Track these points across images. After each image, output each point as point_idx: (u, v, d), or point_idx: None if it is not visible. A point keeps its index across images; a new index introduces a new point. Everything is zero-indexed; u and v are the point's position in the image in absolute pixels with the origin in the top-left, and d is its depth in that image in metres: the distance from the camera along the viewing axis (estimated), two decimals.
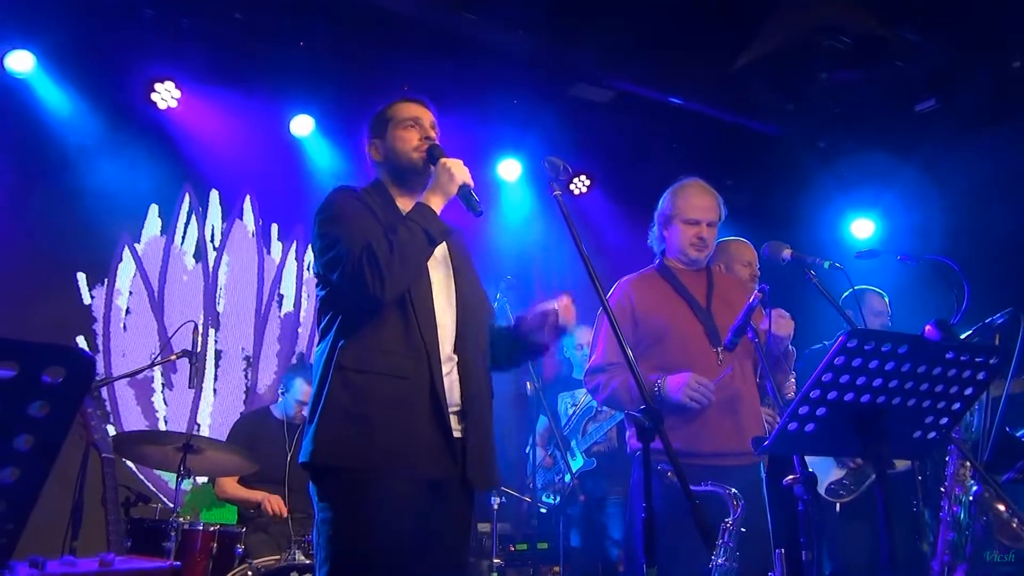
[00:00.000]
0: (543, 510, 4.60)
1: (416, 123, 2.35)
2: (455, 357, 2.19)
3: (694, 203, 3.03)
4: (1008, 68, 4.56)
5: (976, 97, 4.80)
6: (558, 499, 4.54)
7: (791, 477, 2.23)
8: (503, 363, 2.39)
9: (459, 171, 2.21)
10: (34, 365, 1.08)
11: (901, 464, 3.45)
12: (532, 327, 2.26)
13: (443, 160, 2.23)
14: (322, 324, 2.22)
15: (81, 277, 4.90)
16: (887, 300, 4.17)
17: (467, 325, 2.24)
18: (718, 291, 3.06)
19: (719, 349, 2.89)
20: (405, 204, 2.29)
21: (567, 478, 4.41)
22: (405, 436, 2.06)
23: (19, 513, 1.19)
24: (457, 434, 2.14)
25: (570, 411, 4.63)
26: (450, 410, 2.13)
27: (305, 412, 4.26)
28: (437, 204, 2.19)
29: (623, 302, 2.98)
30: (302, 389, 4.32)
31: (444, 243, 2.25)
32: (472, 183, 2.23)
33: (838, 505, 3.74)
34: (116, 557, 1.87)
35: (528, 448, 4.72)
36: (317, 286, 2.29)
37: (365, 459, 2.04)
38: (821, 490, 3.71)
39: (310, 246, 2.28)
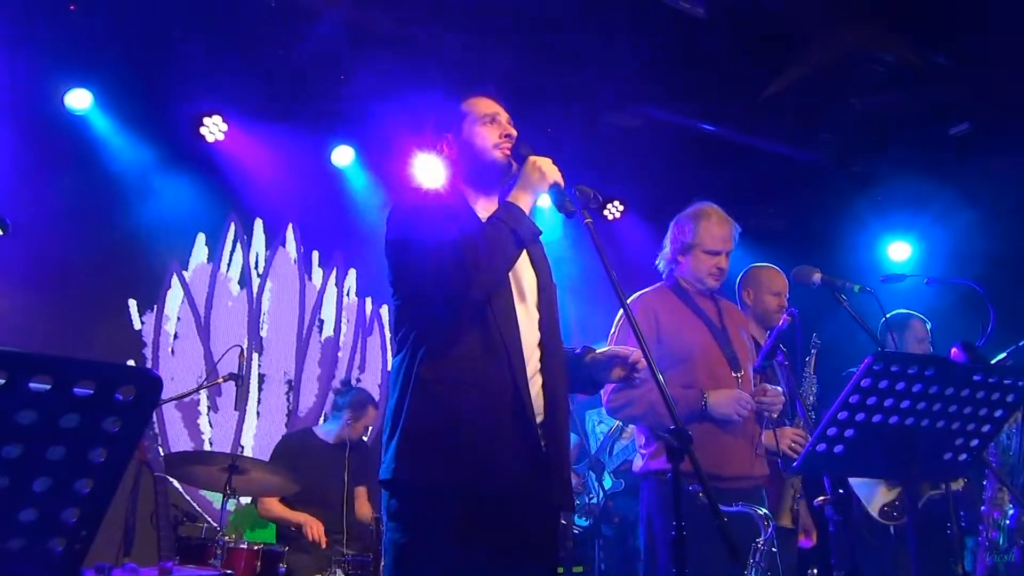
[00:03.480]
0: (575, 531, 4.61)
1: (495, 120, 2.19)
2: (540, 365, 2.06)
3: (716, 233, 3.03)
4: None
5: (1010, 120, 4.79)
6: (590, 521, 4.54)
7: (822, 498, 2.26)
8: None
9: (550, 169, 2.06)
10: (109, 384, 1.19)
11: (956, 485, 3.38)
12: (597, 364, 2.14)
13: (533, 158, 2.09)
14: (399, 336, 2.07)
15: (132, 304, 5.10)
16: (928, 326, 4.01)
17: (551, 334, 2.11)
18: (726, 317, 3.08)
19: (738, 375, 2.93)
20: (481, 207, 2.16)
21: (598, 498, 4.41)
22: (489, 452, 1.93)
23: (91, 522, 1.29)
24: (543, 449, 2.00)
25: (598, 429, 4.64)
26: (536, 421, 2.00)
27: (359, 427, 4.40)
28: (526, 204, 2.04)
29: (649, 317, 2.96)
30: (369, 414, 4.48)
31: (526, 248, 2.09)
32: (563, 182, 2.08)
33: (892, 528, 3.66)
34: (175, 566, 1.97)
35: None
36: (393, 296, 2.14)
37: (448, 476, 1.91)
38: (874, 512, 3.64)
39: (385, 252, 2.13)
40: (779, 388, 2.77)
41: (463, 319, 1.98)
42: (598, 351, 2.16)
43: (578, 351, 2.21)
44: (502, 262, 1.99)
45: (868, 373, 1.91)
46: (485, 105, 2.22)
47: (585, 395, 2.26)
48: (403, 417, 1.96)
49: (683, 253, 3.08)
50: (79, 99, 4.75)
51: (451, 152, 2.21)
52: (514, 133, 2.18)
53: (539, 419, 2.01)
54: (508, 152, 2.15)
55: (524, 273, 2.13)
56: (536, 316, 2.10)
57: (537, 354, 2.06)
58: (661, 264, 3.16)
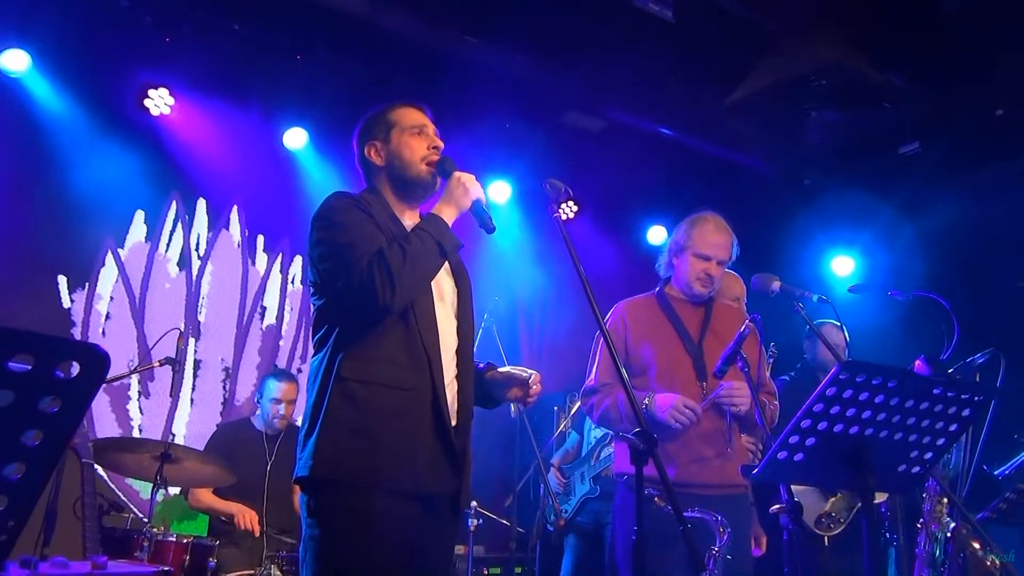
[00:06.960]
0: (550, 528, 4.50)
1: (422, 131, 2.27)
2: (456, 372, 2.15)
3: (709, 239, 3.02)
4: (991, 116, 4.69)
5: (959, 142, 4.94)
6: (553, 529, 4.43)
7: (777, 507, 2.25)
8: None
9: (473, 186, 2.15)
10: (49, 359, 1.08)
11: (880, 496, 3.48)
12: (495, 382, 2.25)
13: (457, 173, 2.18)
14: (318, 335, 2.13)
15: (62, 280, 4.84)
16: (846, 335, 4.10)
17: (466, 340, 2.21)
18: (713, 325, 3.05)
19: (703, 384, 2.91)
20: (405, 215, 2.24)
21: (567, 507, 4.35)
22: (408, 450, 2.00)
23: (21, 511, 1.17)
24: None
25: (593, 434, 4.54)
26: (452, 424, 2.10)
27: (280, 410, 4.25)
28: (449, 217, 2.13)
29: (617, 326, 3.02)
30: (277, 387, 4.30)
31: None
32: (485, 199, 2.18)
33: (826, 539, 3.73)
34: (108, 560, 1.84)
35: (531, 469, 4.67)
36: (313, 295, 2.18)
37: (367, 473, 1.97)
38: (810, 523, 3.70)
39: (308, 255, 2.21)
40: (745, 384, 2.76)
41: (387, 324, 2.04)
42: (498, 370, 2.26)
43: (481, 366, 2.30)
44: (426, 272, 2.07)
45: (834, 382, 1.90)
46: (413, 116, 2.29)
47: (483, 408, 2.35)
48: (323, 414, 2.00)
49: (676, 256, 3.09)
50: (15, 60, 4.47)
51: (379, 158, 2.27)
52: (441, 145, 2.26)
53: (452, 423, 2.10)
54: (432, 165, 2.23)
55: (444, 281, 2.21)
56: (455, 323, 2.20)
57: (455, 361, 2.15)
58: (661, 268, 3.17)
